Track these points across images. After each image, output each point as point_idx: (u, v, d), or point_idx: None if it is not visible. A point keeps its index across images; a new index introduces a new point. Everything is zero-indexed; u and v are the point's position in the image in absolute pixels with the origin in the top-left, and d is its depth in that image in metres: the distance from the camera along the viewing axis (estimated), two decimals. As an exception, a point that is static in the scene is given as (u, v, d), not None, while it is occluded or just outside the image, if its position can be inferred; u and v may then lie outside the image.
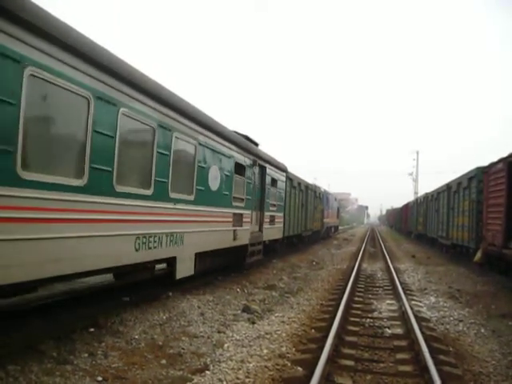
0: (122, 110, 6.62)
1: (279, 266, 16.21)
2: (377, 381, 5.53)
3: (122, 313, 7.67)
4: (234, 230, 11.87)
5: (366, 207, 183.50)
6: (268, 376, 5.39)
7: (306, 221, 24.32)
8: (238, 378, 5.23)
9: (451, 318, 8.87)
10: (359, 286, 12.37)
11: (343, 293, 10.22)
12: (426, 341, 6.51)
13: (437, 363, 5.66)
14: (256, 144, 14.49)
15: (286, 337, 7.05)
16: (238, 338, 6.88)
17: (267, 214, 15.34)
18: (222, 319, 8.00)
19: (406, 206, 50.82)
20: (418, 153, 68.72)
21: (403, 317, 8.54)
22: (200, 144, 9.48)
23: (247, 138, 13.66)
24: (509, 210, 12.38)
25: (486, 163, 15.25)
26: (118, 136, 6.51)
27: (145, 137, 7.54)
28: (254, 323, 7.84)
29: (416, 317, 8.20)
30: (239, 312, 8.60)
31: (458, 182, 20.39)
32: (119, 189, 6.62)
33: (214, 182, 10.36)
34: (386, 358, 6.39)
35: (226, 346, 6.45)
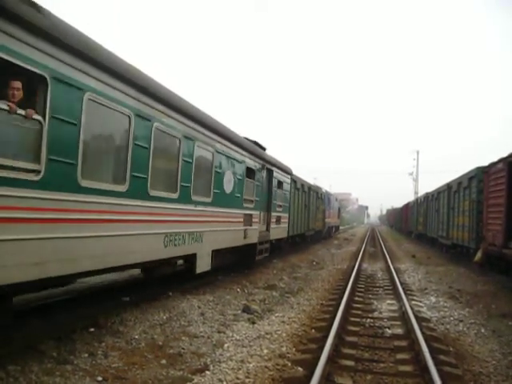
0: (155, 124, 7.58)
1: (279, 266, 16.22)
2: (377, 381, 5.53)
3: (122, 313, 7.66)
4: (245, 230, 12.79)
5: (366, 207, 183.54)
6: (268, 376, 5.39)
7: (308, 221, 25.03)
8: (238, 378, 5.23)
9: (451, 318, 8.87)
10: (359, 285, 12.37)
11: (343, 293, 10.22)
12: (426, 341, 6.51)
13: (437, 363, 5.66)
14: (264, 149, 15.31)
15: (287, 337, 7.05)
16: (238, 337, 6.88)
17: (274, 214, 16.17)
18: (222, 319, 8.00)
19: (407, 206, 50.83)
20: (418, 152, 68.67)
21: (403, 317, 8.54)
22: (217, 151, 10.46)
23: (256, 143, 14.52)
24: (509, 210, 12.37)
25: (486, 163, 15.26)
26: (151, 147, 7.46)
27: (172, 147, 8.52)
28: (254, 323, 7.84)
29: (416, 317, 8.20)
30: (239, 312, 8.60)
31: (459, 182, 20.39)
32: (152, 193, 7.54)
33: (228, 185, 11.30)
34: (386, 358, 6.39)
35: (226, 346, 6.45)
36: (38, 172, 5.05)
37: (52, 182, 5.26)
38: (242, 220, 12.48)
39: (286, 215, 18.65)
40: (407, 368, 5.90)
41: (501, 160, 13.46)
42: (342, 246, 29.83)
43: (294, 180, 20.61)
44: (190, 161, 9.04)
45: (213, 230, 10.33)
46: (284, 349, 6.44)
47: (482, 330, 7.99)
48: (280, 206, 17.25)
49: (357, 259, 18.68)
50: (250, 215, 13.26)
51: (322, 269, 16.48)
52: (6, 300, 5.39)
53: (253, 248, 13.83)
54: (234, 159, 11.72)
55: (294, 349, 6.49)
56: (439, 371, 5.37)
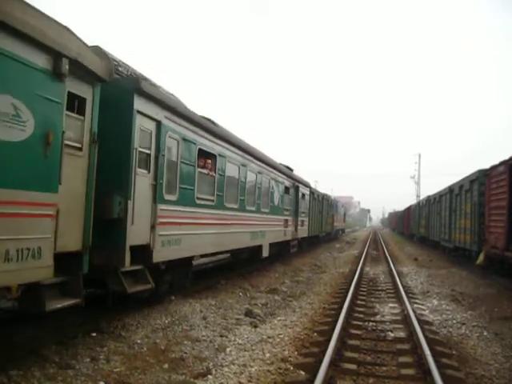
0: (247, 167, 13.40)
1: (281, 270, 16.22)
2: (379, 384, 5.51)
3: (124, 317, 7.66)
4: (284, 230, 18.30)
5: (368, 210, 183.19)
6: (270, 380, 5.39)
7: (321, 224, 30.18)
8: (240, 383, 5.23)
9: (454, 321, 8.85)
10: (362, 289, 12.34)
11: (345, 296, 10.21)
12: (428, 344, 6.50)
13: (439, 366, 5.65)
14: (292, 170, 20.62)
15: (289, 340, 7.04)
16: (240, 341, 6.87)
17: (299, 219, 21.39)
18: (224, 323, 8.00)
19: (409, 209, 50.73)
20: (419, 156, 68.68)
21: (406, 320, 8.52)
22: (271, 178, 16.15)
23: (288, 167, 19.98)
24: (511, 213, 12.36)
25: (488, 165, 15.24)
26: (244, 179, 13.04)
27: (252, 180, 13.87)
28: (256, 327, 7.84)
29: (418, 320, 8.18)
30: (242, 316, 8.60)
31: (460, 185, 20.37)
32: (247, 207, 13.22)
33: (276, 200, 16.77)
34: (388, 361, 6.37)
35: (228, 350, 6.45)
36: (212, 200, 10.53)
37: (218, 205, 10.87)
38: (282, 223, 17.92)
39: (307, 219, 23.87)
40: (410, 371, 5.88)
41: (502, 163, 13.46)
42: (344, 250, 29.79)
43: (312, 191, 26.06)
44: (260, 186, 14.57)
45: (269, 230, 15.76)
46: (286, 352, 6.43)
47: (485, 333, 7.97)
48: (303, 212, 22.52)
49: (359, 263, 18.65)
50: (287, 220, 18.64)
51: (324, 272, 16.47)
52: (190, 265, 10.07)
53: (287, 243, 19.27)
54: (279, 182, 17.32)
55: (296, 352, 6.48)
56: (442, 374, 5.36)
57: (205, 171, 10.09)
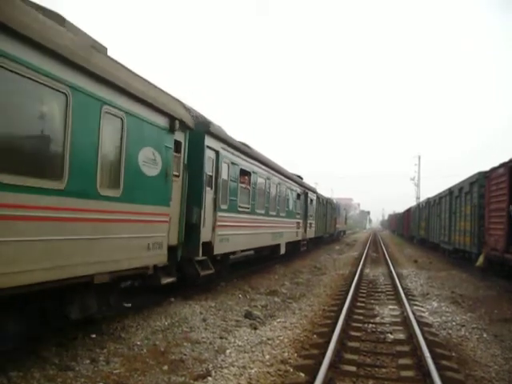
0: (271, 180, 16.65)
1: (281, 272, 16.21)
2: (379, 386, 5.52)
3: (124, 319, 7.67)
4: (296, 231, 21.31)
5: (368, 212, 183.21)
6: (270, 382, 5.39)
7: (326, 226, 33.22)
8: (239, 384, 5.22)
9: (453, 323, 8.85)
10: (361, 291, 12.35)
11: (345, 298, 10.21)
12: (428, 346, 6.51)
13: (439, 368, 5.66)
14: (301, 178, 23.79)
15: (288, 342, 7.05)
16: (240, 343, 6.87)
17: (308, 221, 24.56)
18: (224, 325, 8.00)
19: (408, 211, 50.76)
20: (419, 157, 68.60)
21: (405, 322, 8.53)
22: (287, 188, 19.27)
23: (298, 176, 23.13)
24: (511, 215, 12.36)
25: (488, 167, 15.26)
26: (255, 187, 14.61)
27: (273, 190, 16.86)
28: (256, 329, 7.84)
29: (418, 322, 8.18)
30: (241, 318, 8.60)
31: (460, 187, 20.39)
32: (270, 212, 15.94)
33: (291, 205, 19.96)
34: (388, 363, 6.38)
35: (228, 351, 6.45)
36: (248, 208, 13.31)
37: (252, 211, 13.69)
38: (295, 225, 20.98)
39: (314, 222, 27.00)
40: (409, 373, 5.89)
41: (502, 165, 13.48)
42: (344, 251, 29.79)
43: (318, 196, 29.38)
44: (279, 195, 17.54)
45: (286, 231, 18.69)
46: (286, 354, 6.43)
47: (484, 335, 7.97)
48: (311, 215, 25.70)
49: (359, 264, 18.65)
50: (298, 222, 21.78)
51: (323, 274, 16.46)
52: (229, 258, 12.70)
53: (298, 243, 22.34)
54: (293, 190, 20.55)
55: (295, 354, 6.48)
56: (441, 376, 5.37)
57: (243, 185, 13.01)
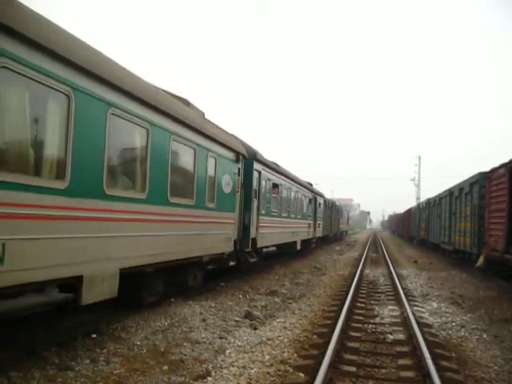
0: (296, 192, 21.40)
1: (281, 272, 16.21)
2: (379, 387, 5.52)
3: (124, 319, 7.67)
4: (308, 231, 24.73)
5: (368, 213, 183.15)
6: (270, 382, 5.39)
7: (331, 226, 37.05)
8: (239, 384, 5.22)
9: (453, 324, 8.85)
10: (361, 291, 12.35)
11: (345, 298, 10.21)
12: (428, 346, 6.51)
13: (439, 369, 5.66)
14: (312, 184, 28.17)
15: (288, 342, 7.05)
16: (239, 343, 6.87)
17: (317, 222, 28.29)
18: (223, 325, 8.00)
19: (409, 212, 50.74)
20: (419, 158, 68.64)
21: (405, 322, 8.53)
22: (302, 194, 22.87)
23: (309, 183, 27.24)
24: (511, 216, 12.36)
25: (489, 168, 15.24)
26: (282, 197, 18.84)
27: (291, 198, 20.31)
28: (255, 329, 7.84)
29: (418, 322, 8.18)
30: (241, 318, 8.60)
31: (460, 188, 20.38)
32: (290, 215, 19.59)
33: (304, 209, 23.61)
34: (388, 363, 6.38)
35: (227, 352, 6.45)
36: (277, 212, 17.31)
37: (279, 215, 17.56)
38: (307, 226, 24.54)
39: (321, 222, 30.78)
40: (409, 374, 5.89)
41: (502, 165, 13.46)
42: (344, 252, 29.79)
43: (325, 200, 33.50)
44: (296, 201, 21.06)
45: (300, 230, 22.40)
46: (286, 354, 6.43)
47: (484, 336, 7.97)
48: (319, 217, 29.55)
49: (359, 265, 18.65)
50: (310, 223, 25.43)
51: (323, 275, 16.46)
52: (261, 252, 16.29)
53: (309, 241, 25.84)
54: (306, 196, 24.17)
55: (295, 354, 6.48)
56: (441, 377, 5.37)
57: (274, 195, 16.63)
